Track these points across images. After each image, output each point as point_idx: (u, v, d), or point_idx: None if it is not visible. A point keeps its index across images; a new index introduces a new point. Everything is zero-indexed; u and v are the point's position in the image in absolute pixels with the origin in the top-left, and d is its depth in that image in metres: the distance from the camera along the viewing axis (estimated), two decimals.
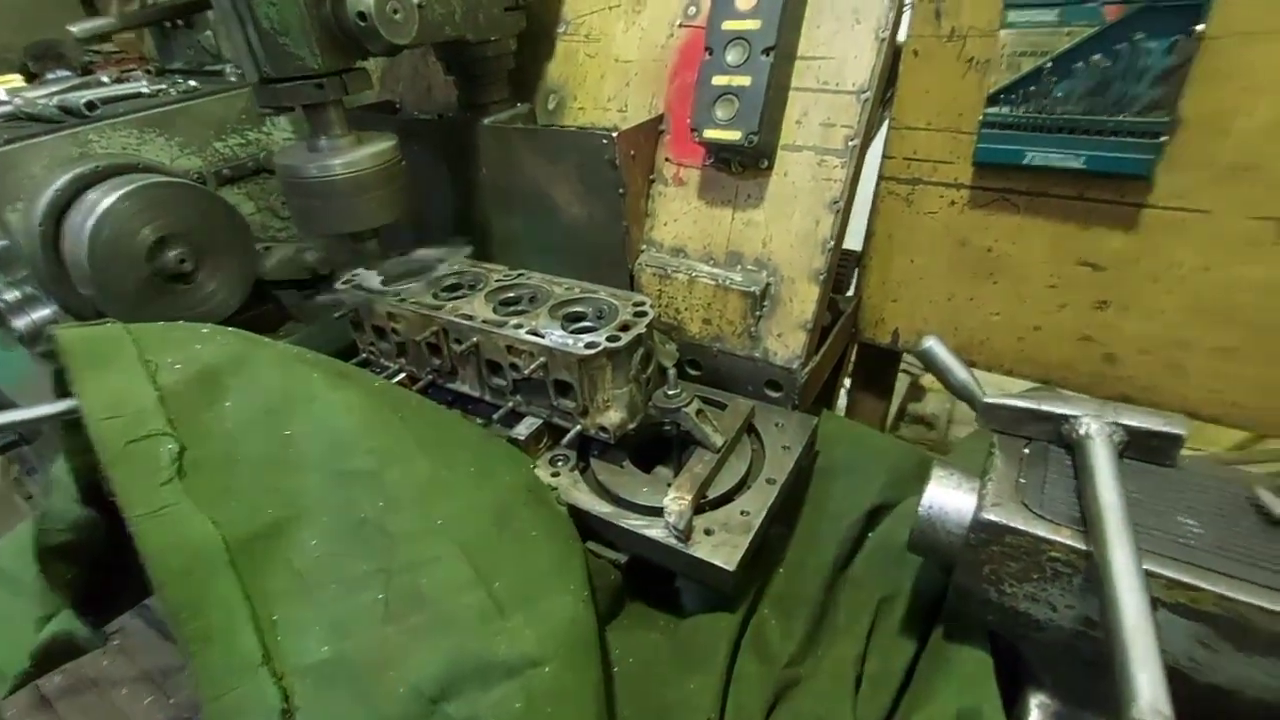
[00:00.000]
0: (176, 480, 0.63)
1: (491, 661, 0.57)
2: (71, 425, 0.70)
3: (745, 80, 0.81)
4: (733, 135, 0.82)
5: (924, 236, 0.96)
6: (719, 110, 0.83)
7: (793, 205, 0.88)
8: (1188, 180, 0.76)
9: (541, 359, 0.81)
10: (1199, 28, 0.68)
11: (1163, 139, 0.74)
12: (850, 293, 1.06)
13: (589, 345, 0.78)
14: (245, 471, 0.66)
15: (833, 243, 0.86)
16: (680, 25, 0.93)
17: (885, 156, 0.94)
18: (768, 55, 0.80)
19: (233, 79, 1.62)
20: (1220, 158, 0.74)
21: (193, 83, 1.54)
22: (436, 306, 0.90)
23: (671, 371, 0.83)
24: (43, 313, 1.45)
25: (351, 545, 0.64)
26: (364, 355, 1.04)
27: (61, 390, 0.71)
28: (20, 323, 1.45)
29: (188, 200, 1.31)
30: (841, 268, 0.99)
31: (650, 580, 0.82)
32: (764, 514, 0.76)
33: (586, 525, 0.79)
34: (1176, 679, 0.49)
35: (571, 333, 0.81)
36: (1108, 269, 0.86)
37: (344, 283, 1.00)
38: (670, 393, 0.83)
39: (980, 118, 0.83)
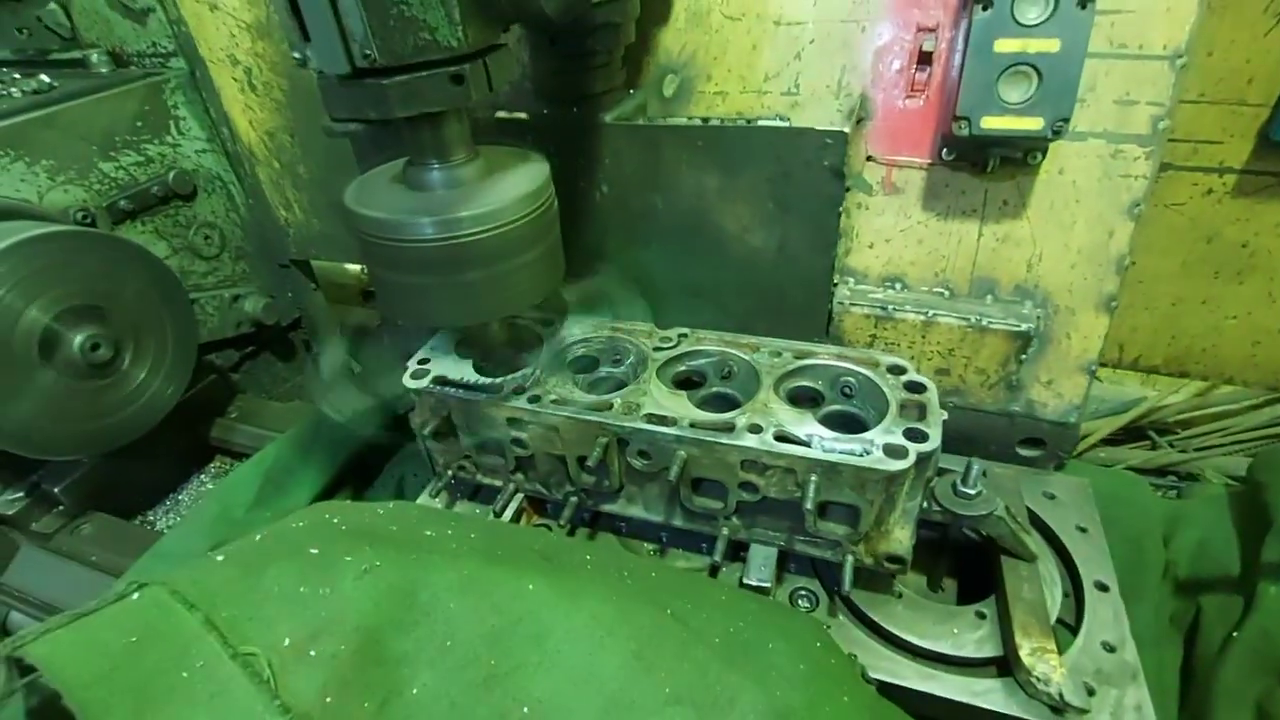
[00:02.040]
0: None
1: None
2: None
3: (1051, 44, 0.57)
4: (1033, 124, 0.59)
5: (1159, 232, 0.79)
6: (1008, 89, 0.59)
7: (1074, 212, 0.66)
8: None
9: (813, 476, 0.55)
10: None
11: None
12: None
13: (891, 453, 0.53)
14: None
15: (1130, 259, 0.66)
16: None
17: None
18: (1085, 7, 0.56)
19: (103, 70, 1.14)
20: None
21: (43, 78, 1.06)
22: (601, 406, 0.60)
23: (976, 468, 0.59)
24: None
25: None
26: (450, 474, 0.71)
27: None
28: None
29: (86, 255, 0.88)
30: None
31: None
32: (1132, 642, 0.56)
33: (890, 697, 0.54)
34: None
35: (832, 427, 0.56)
36: None
37: (415, 376, 0.66)
38: (971, 491, 0.60)
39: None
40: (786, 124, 0.65)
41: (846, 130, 0.61)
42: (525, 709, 0.38)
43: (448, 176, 0.50)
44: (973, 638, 0.58)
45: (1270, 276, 0.79)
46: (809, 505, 0.54)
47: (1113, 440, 0.99)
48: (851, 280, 0.74)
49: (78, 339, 0.85)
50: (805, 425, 0.56)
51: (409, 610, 0.39)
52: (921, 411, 0.58)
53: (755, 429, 0.56)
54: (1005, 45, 0.58)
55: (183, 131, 1.14)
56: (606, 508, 0.67)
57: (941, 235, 0.70)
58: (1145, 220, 0.77)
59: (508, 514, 0.68)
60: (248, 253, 1.26)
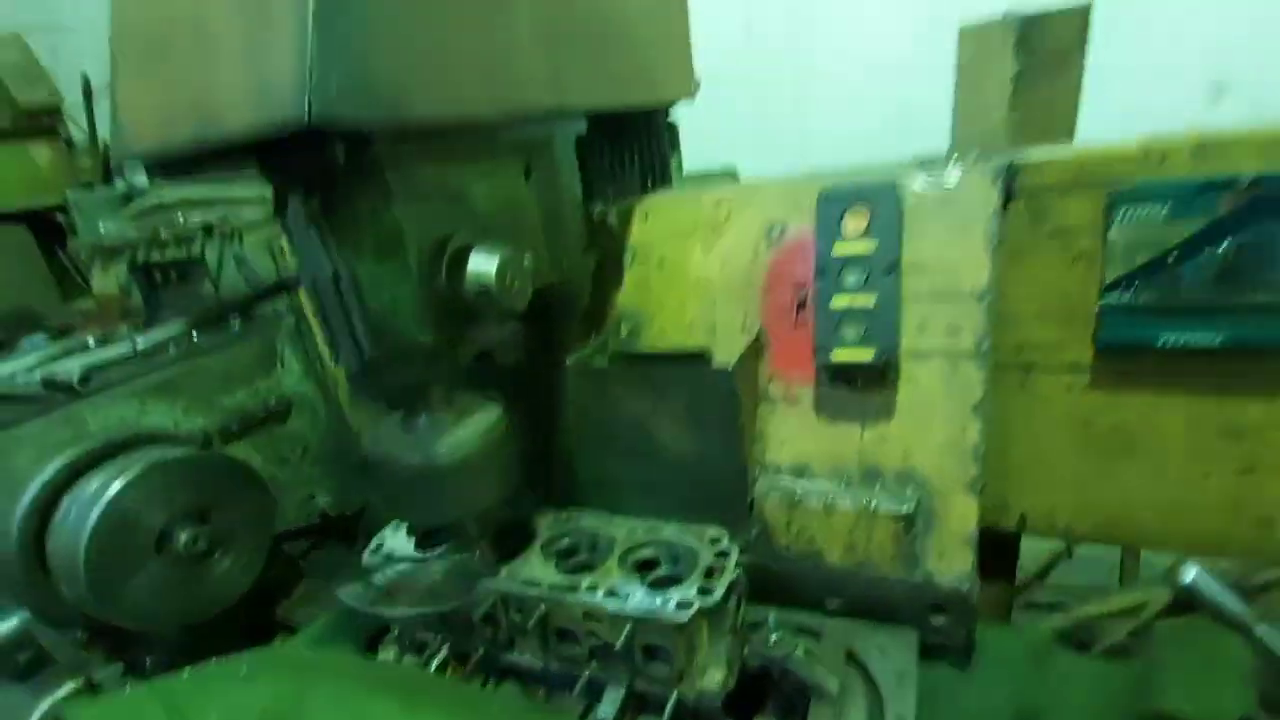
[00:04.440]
0: None
1: None
2: None
3: (869, 300, 0.78)
4: (866, 354, 0.78)
5: (1045, 420, 0.92)
6: (846, 331, 0.79)
7: (931, 413, 0.82)
8: None
9: (627, 625, 0.69)
10: None
11: None
12: None
13: (681, 605, 0.67)
14: None
15: (983, 448, 0.80)
16: (766, 246, 0.92)
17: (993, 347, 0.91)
18: (890, 274, 0.78)
19: (235, 328, 1.54)
20: None
21: (193, 335, 1.45)
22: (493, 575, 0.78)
23: (772, 616, 0.73)
24: (8, 625, 1.22)
25: None
26: (396, 631, 0.89)
27: None
28: None
29: (203, 473, 1.16)
30: None
31: None
32: None
33: None
34: None
35: (651, 587, 0.72)
36: (1248, 437, 0.83)
37: (372, 552, 0.87)
38: (773, 638, 0.72)
39: (1096, 306, 0.82)
40: (694, 361, 0.88)
41: (731, 368, 0.81)
42: None
43: (430, 423, 0.73)
44: None
45: (1151, 455, 0.89)
46: (618, 648, 0.69)
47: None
48: (769, 473, 0.90)
49: (184, 536, 1.10)
50: (630, 585, 0.72)
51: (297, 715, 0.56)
52: (719, 573, 0.73)
53: (592, 589, 0.72)
54: (839, 301, 0.80)
55: (286, 367, 1.49)
56: (508, 658, 0.82)
57: (833, 436, 0.87)
58: (1030, 410, 0.92)
59: (433, 664, 0.83)
60: (324, 457, 1.55)
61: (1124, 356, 0.84)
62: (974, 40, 0.81)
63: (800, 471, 0.89)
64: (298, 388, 1.50)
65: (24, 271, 2.70)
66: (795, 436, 0.89)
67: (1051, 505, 0.98)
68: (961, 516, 0.81)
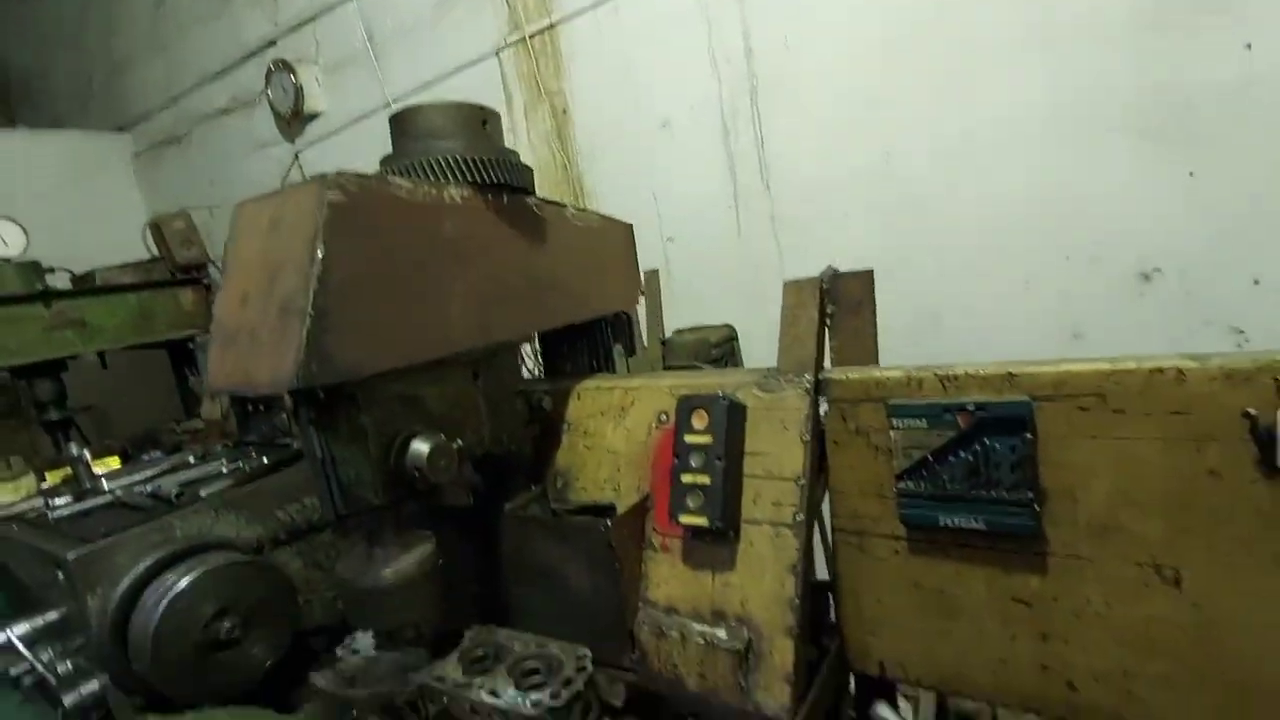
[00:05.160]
0: None
1: None
2: None
3: (706, 479, 1.05)
4: (702, 520, 1.04)
5: (883, 579, 1.12)
6: (690, 500, 1.06)
7: (761, 569, 1.05)
8: (1069, 535, 0.95)
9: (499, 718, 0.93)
10: (1028, 435, 0.92)
11: (1035, 507, 0.94)
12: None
13: (534, 704, 0.91)
14: None
15: (798, 601, 1.02)
16: (656, 426, 1.22)
17: (833, 514, 1.14)
18: (720, 461, 1.05)
19: (295, 448, 1.94)
20: (1082, 519, 0.93)
21: (263, 457, 1.86)
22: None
23: (614, 703, 0.96)
24: (90, 688, 1.55)
25: None
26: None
27: None
28: (69, 698, 1.55)
29: (249, 576, 1.51)
30: (815, 612, 1.13)
31: None
32: None
33: None
34: None
35: (527, 689, 0.95)
36: (1035, 606, 1.00)
37: (343, 648, 1.14)
38: None
39: (894, 491, 1.05)
40: (600, 513, 1.16)
41: (609, 525, 1.09)
42: None
43: (382, 553, 1.04)
44: None
45: (970, 617, 1.06)
46: None
47: None
48: (648, 608, 1.14)
49: (225, 624, 1.43)
50: (507, 687, 0.95)
51: None
52: (573, 683, 0.95)
53: (480, 687, 0.97)
54: (685, 478, 1.07)
55: None
56: None
57: (694, 581, 1.11)
58: (872, 570, 1.13)
59: None
60: None
61: (925, 531, 1.05)
62: (793, 290, 1.12)
63: (670, 610, 1.12)
64: None
65: (163, 390, 3.35)
66: (667, 579, 1.13)
67: (902, 657, 1.15)
68: (782, 656, 1.01)
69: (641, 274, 1.52)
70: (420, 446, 0.99)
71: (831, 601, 1.18)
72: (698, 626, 1.08)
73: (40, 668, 1.56)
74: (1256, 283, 1.90)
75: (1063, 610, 0.98)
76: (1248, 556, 0.85)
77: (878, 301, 1.21)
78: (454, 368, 1.11)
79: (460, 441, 1.05)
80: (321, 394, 0.88)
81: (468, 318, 1.05)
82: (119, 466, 2.12)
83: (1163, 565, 0.90)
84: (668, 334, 2.32)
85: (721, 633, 1.06)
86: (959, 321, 2.29)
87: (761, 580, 1.05)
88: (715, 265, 2.73)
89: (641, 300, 1.50)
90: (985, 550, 1.02)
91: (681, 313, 2.62)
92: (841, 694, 1.27)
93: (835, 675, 1.15)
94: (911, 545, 1.09)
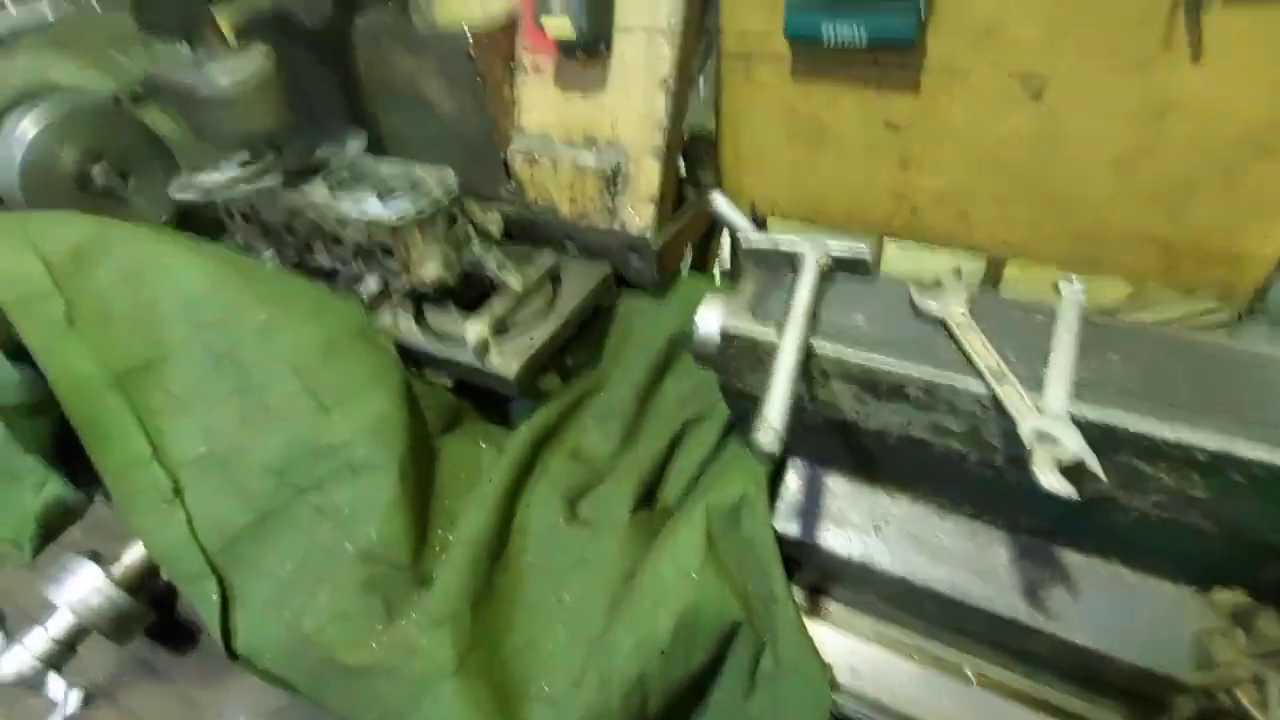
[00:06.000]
0: (68, 328, 0.84)
1: (317, 444, 0.84)
2: None
3: None
4: (565, 25, 0.93)
5: (763, 108, 1.08)
6: (553, 2, 0.93)
7: (631, 86, 0.99)
8: (949, 44, 0.89)
9: (364, 229, 0.97)
10: None
11: (920, 5, 0.85)
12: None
13: (400, 216, 0.94)
14: (119, 324, 0.87)
15: (668, 122, 0.99)
16: None
17: (720, 32, 1.04)
18: None
19: None
20: (970, 23, 0.86)
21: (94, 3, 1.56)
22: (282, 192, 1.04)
23: (495, 231, 1.03)
24: None
25: (212, 374, 0.87)
26: (240, 242, 1.19)
27: None
28: None
29: (106, 118, 1.39)
30: (690, 146, 1.12)
31: (496, 403, 1.05)
32: (546, 337, 0.98)
33: (415, 357, 1.00)
34: (853, 429, 0.69)
35: (385, 205, 0.97)
36: (903, 129, 1.00)
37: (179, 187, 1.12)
38: (472, 248, 1.01)
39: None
40: (447, 29, 1.02)
41: (468, 37, 0.97)
42: (150, 293, 0.87)
43: (210, 57, 0.92)
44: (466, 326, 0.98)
45: (838, 144, 1.06)
46: (365, 246, 0.99)
47: None
48: (520, 137, 1.11)
49: (97, 170, 1.37)
50: (371, 202, 0.96)
51: (105, 241, 0.90)
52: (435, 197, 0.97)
53: (344, 202, 0.98)
54: None
55: None
56: (313, 263, 1.11)
57: (566, 104, 1.05)
58: (754, 98, 1.08)
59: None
60: None
61: (808, 48, 0.98)
62: None
63: (543, 137, 1.09)
64: None
65: None
66: (539, 105, 1.07)
67: (773, 192, 1.19)
68: (649, 178, 1.03)
69: None
70: None
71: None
72: (569, 151, 1.06)
73: None
74: None
75: (927, 131, 0.98)
76: (1112, 57, 0.82)
77: None
78: None
79: None
80: None
81: None
82: None
83: (1032, 75, 0.87)
84: None
85: (590, 157, 1.05)
86: None
87: (631, 99, 1.00)
88: None
89: None
90: (864, 68, 0.97)
91: None
92: (712, 237, 1.36)
93: (706, 215, 1.20)
94: (793, 66, 1.02)
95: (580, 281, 1.07)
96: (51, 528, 1.10)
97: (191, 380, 0.87)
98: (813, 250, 0.70)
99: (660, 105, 0.98)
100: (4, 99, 1.36)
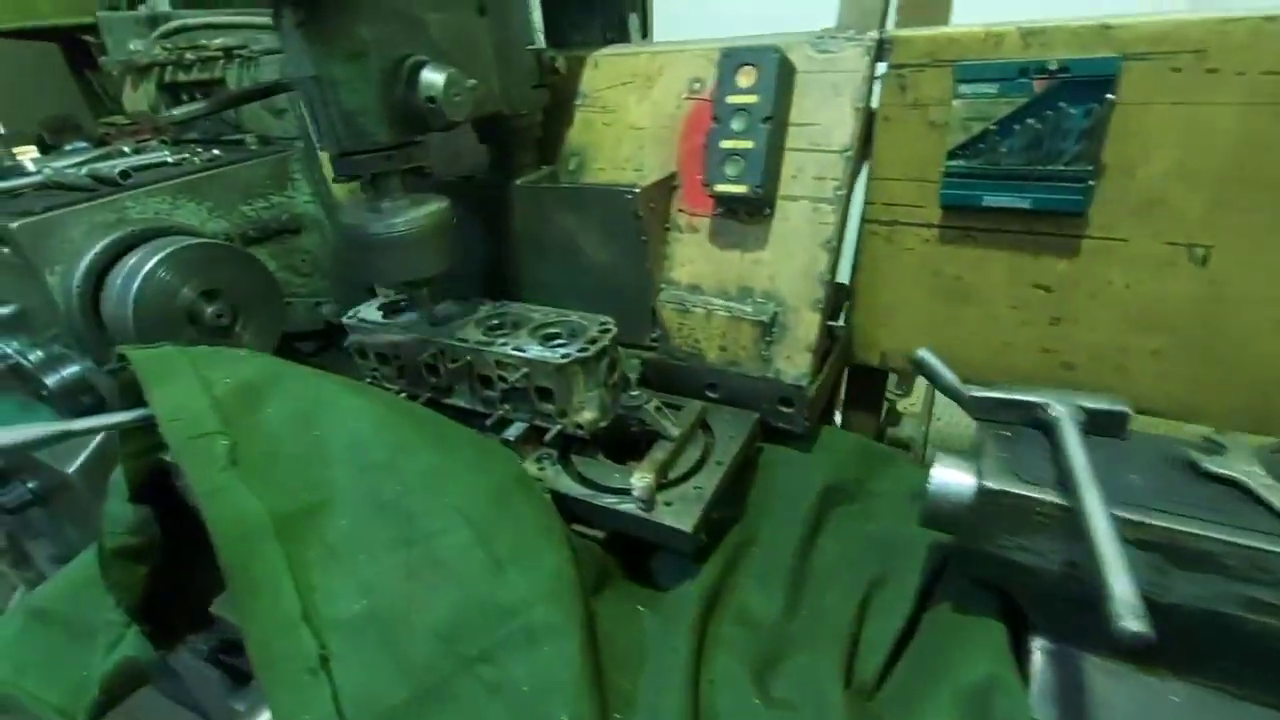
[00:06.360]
0: (230, 468, 0.77)
1: (492, 605, 0.73)
2: (128, 433, 0.88)
3: (749, 144, 0.97)
4: (740, 189, 0.98)
5: (904, 269, 1.12)
6: (728, 168, 0.98)
7: (794, 245, 1.03)
8: (1112, 215, 0.94)
9: (524, 370, 0.95)
10: (1110, 96, 0.86)
11: (1090, 183, 0.91)
12: (841, 322, 1.21)
13: (564, 355, 0.92)
14: (284, 465, 0.80)
15: (828, 276, 1.01)
16: (686, 98, 1.09)
17: (867, 203, 1.10)
18: (766, 123, 0.96)
19: (253, 146, 1.73)
20: (1133, 197, 0.92)
21: (215, 151, 1.65)
22: (435, 333, 1.04)
23: (634, 377, 0.99)
24: (72, 370, 1.51)
25: (376, 522, 0.78)
26: (368, 380, 1.16)
27: (128, 404, 0.85)
28: (51, 380, 1.51)
29: (228, 260, 1.41)
30: (835, 299, 1.14)
31: (635, 558, 0.97)
32: (714, 487, 0.92)
33: (569, 509, 0.92)
34: (1146, 603, 0.63)
35: (546, 345, 0.97)
36: (1056, 290, 1.03)
37: (348, 318, 1.12)
38: (632, 393, 0.98)
39: (942, 169, 1.00)
40: (607, 186, 1.08)
41: (636, 189, 1.01)
42: (317, 433, 0.82)
43: (391, 205, 0.94)
44: (625, 478, 0.92)
45: (982, 303, 1.09)
46: (519, 385, 0.95)
47: None
48: (670, 288, 1.13)
49: (210, 309, 1.37)
50: (531, 344, 0.96)
51: (275, 379, 0.86)
52: (598, 341, 0.97)
53: (504, 344, 0.98)
54: (725, 144, 0.98)
55: (296, 187, 1.70)
56: (447, 401, 1.08)
57: (721, 260, 1.08)
58: (895, 259, 1.12)
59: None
60: (329, 273, 1.79)
61: (961, 215, 1.03)
62: None
63: (694, 288, 1.11)
64: (306, 208, 1.72)
65: (58, 86, 2.86)
66: (692, 260, 1.10)
67: (905, 344, 1.20)
68: (807, 328, 1.03)
69: None
70: (433, 76, 0.85)
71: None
72: (722, 302, 1.08)
73: (11, 352, 1.50)
74: None
75: (1081, 293, 1.01)
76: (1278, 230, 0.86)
77: None
78: None
79: (474, 81, 0.91)
80: None
81: None
82: (41, 156, 1.86)
83: (1195, 244, 0.92)
84: None
85: (747, 307, 1.06)
86: None
87: (793, 257, 1.03)
88: None
89: None
90: (1018, 235, 1.01)
91: None
92: (836, 387, 1.36)
93: (840, 362, 1.20)
94: (942, 233, 1.07)
95: (733, 429, 1.04)
96: (116, 694, 0.96)
97: (353, 528, 0.79)
98: (1064, 404, 0.68)
99: (823, 262, 1.01)
100: (124, 234, 1.38)
